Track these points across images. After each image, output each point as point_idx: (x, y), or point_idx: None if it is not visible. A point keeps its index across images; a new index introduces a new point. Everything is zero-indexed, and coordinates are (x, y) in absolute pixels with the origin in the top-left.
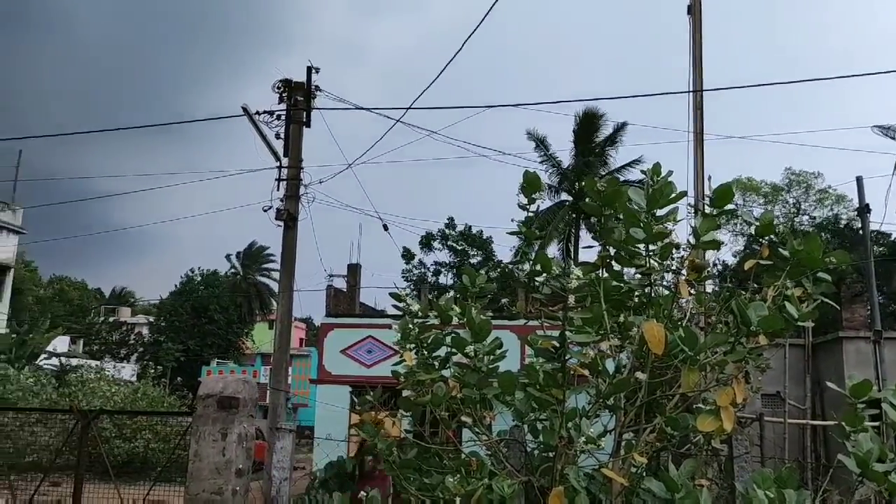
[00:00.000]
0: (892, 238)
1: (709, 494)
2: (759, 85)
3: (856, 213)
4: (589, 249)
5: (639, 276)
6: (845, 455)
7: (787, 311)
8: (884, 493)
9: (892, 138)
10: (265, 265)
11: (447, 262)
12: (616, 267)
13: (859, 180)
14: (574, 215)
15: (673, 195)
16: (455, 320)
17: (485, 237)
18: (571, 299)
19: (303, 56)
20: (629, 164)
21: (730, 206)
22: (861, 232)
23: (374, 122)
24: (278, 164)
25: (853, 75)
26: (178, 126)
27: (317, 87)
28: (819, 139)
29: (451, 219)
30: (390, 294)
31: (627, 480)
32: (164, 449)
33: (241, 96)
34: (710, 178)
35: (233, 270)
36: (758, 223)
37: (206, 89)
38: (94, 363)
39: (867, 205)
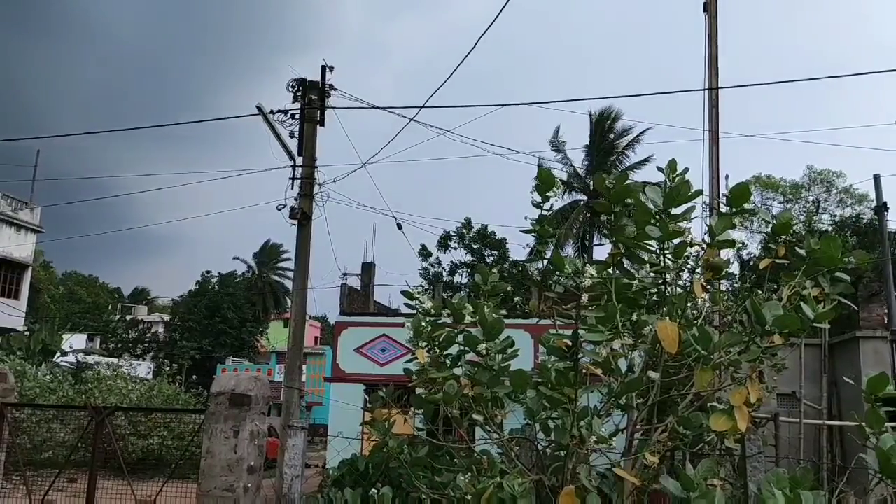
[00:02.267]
0: None
1: (722, 494)
2: (774, 83)
3: (873, 211)
4: (602, 247)
5: (652, 274)
6: (863, 456)
7: (802, 312)
8: None
9: None
10: (279, 264)
11: (463, 261)
12: (628, 265)
13: (877, 178)
14: (589, 214)
15: (689, 193)
16: (468, 319)
17: (500, 237)
18: (584, 298)
19: (321, 57)
20: (640, 164)
21: (748, 205)
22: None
23: (390, 121)
24: (292, 162)
25: (866, 73)
26: (200, 129)
27: (331, 86)
28: (844, 137)
29: (469, 219)
30: (402, 293)
31: (639, 480)
32: (179, 446)
33: (260, 98)
34: (727, 176)
35: (248, 270)
36: (774, 221)
37: (227, 92)
38: (110, 361)
39: (885, 203)
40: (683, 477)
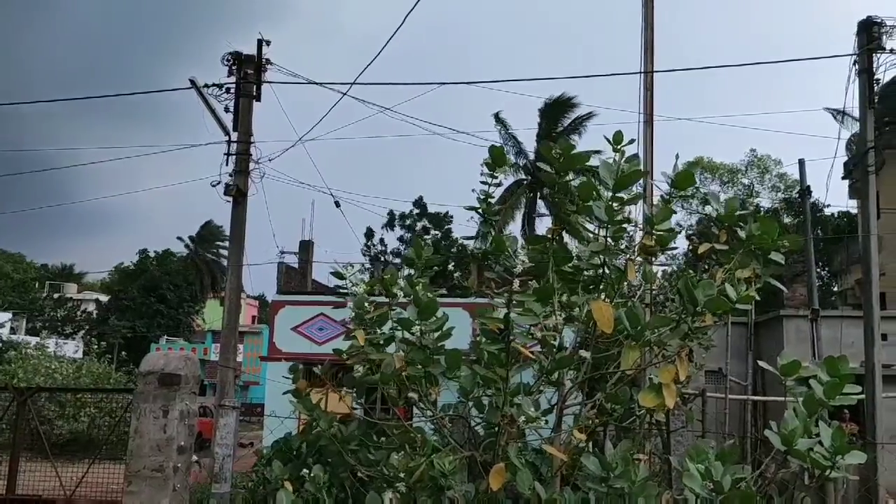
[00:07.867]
0: (835, 219)
1: (645, 469)
2: (707, 67)
3: (797, 195)
4: (545, 218)
5: (590, 252)
6: (768, 433)
7: (726, 293)
8: (811, 467)
9: (840, 121)
10: (218, 242)
11: (409, 239)
12: (567, 239)
13: (801, 162)
14: (532, 195)
15: (637, 180)
16: (402, 297)
17: (444, 216)
18: (516, 283)
19: (272, 33)
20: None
21: (691, 188)
22: (811, 214)
23: (335, 99)
24: (228, 138)
25: (795, 60)
26: (145, 105)
27: (267, 61)
28: (785, 123)
29: (421, 198)
30: (331, 273)
31: (568, 455)
32: (110, 426)
33: (212, 75)
34: (677, 155)
35: (187, 249)
36: (720, 207)
37: (181, 67)
38: (33, 339)
39: (808, 187)
40: (601, 458)
